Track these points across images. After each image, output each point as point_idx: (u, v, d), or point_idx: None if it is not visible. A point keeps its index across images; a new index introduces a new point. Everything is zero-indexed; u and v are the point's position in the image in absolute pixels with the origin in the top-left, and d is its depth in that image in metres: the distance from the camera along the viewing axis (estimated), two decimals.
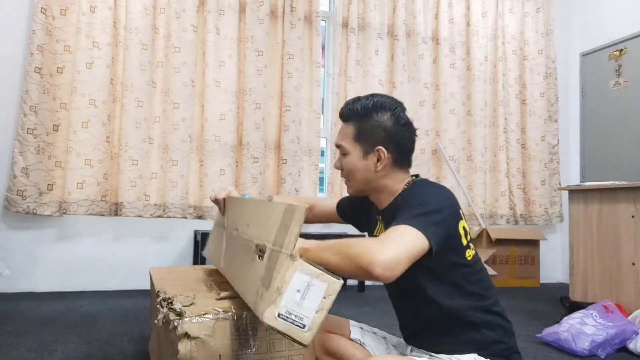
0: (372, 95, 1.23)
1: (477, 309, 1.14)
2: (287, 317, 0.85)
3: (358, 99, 1.23)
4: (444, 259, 1.07)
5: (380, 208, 1.25)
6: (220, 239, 1.43)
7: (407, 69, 3.94)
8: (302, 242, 0.95)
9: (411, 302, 1.20)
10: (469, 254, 1.14)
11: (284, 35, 3.58)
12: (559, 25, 4.41)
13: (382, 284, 1.06)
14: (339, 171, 1.27)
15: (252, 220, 1.14)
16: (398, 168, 1.21)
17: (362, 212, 1.36)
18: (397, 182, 1.21)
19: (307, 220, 1.13)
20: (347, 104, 1.23)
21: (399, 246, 0.94)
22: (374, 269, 0.90)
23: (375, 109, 1.20)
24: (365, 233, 1.40)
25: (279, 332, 0.86)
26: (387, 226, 1.21)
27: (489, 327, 1.14)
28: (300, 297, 0.86)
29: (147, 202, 3.17)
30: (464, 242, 1.13)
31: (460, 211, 1.14)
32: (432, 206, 1.06)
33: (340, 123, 1.26)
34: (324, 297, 0.86)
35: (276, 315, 0.85)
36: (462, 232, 1.12)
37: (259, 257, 0.99)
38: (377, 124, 1.19)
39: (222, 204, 1.43)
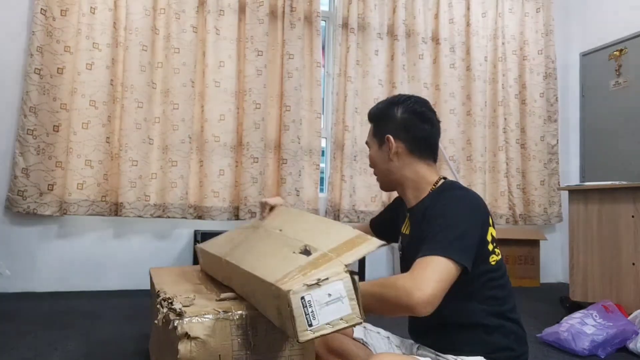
0: (394, 95, 1.31)
1: (493, 313, 1.13)
2: (306, 306, 0.86)
3: (382, 101, 1.32)
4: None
5: (409, 206, 1.26)
6: (240, 235, 1.43)
7: (407, 69, 3.94)
8: None
9: None
10: (493, 259, 1.13)
11: (284, 35, 3.58)
12: (559, 25, 4.40)
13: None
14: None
15: (310, 228, 1.17)
16: (417, 158, 1.23)
17: (393, 211, 1.40)
18: (420, 176, 1.23)
19: None
20: (373, 106, 1.33)
21: (434, 280, 0.97)
22: (414, 308, 0.94)
23: (388, 105, 1.27)
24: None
25: (290, 310, 0.86)
26: (413, 225, 1.23)
27: (502, 332, 1.13)
28: (326, 302, 0.87)
29: (147, 203, 3.18)
30: (490, 247, 1.13)
31: (489, 217, 1.14)
32: (461, 227, 1.06)
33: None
34: (341, 318, 0.88)
35: (301, 296, 0.86)
36: (489, 238, 1.13)
37: (301, 253, 1.01)
38: (388, 117, 1.25)
39: (267, 209, 1.45)
